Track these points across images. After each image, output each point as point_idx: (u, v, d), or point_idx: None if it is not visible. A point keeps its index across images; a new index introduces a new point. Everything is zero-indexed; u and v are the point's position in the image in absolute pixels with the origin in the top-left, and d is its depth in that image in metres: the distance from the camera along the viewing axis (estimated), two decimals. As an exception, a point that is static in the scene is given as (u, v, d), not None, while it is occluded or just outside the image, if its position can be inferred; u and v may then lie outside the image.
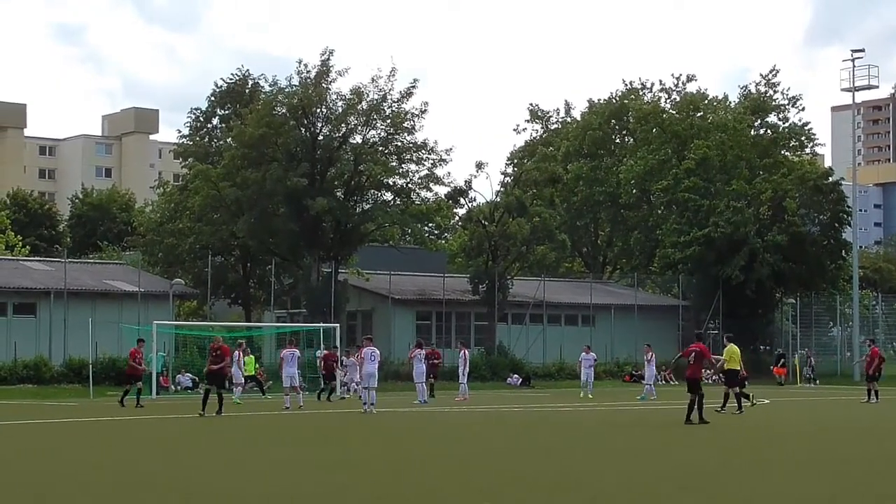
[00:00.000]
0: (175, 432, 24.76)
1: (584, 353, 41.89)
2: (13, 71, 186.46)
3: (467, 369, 39.84)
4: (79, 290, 47.99)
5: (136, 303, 47.64)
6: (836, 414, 32.42)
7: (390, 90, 53.01)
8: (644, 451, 19.48)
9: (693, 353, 25.90)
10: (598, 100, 74.88)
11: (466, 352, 40.63)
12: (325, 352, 39.88)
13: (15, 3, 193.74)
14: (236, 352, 35.88)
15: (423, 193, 55.19)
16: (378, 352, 31.45)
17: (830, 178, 65.52)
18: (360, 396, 31.68)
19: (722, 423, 25.80)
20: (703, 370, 25.69)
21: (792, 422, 28.31)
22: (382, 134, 53.97)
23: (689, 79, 72.64)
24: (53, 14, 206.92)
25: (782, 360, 56.34)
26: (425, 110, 53.52)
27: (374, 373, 30.41)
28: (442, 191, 55.90)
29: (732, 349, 29.74)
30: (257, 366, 42.52)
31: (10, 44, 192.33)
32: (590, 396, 39.97)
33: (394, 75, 53.08)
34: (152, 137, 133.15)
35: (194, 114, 59.80)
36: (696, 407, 25.16)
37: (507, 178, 68.39)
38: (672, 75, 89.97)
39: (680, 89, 72.37)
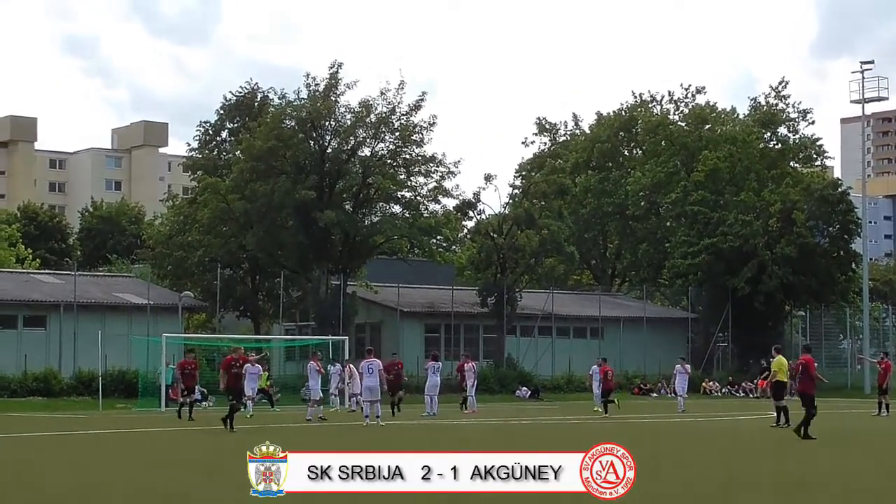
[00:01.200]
0: (187, 445, 24.76)
1: (594, 367, 41.76)
2: (23, 84, 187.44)
3: (475, 382, 39.77)
4: (88, 303, 48.13)
5: (145, 315, 47.75)
6: (847, 426, 32.26)
7: (399, 103, 53.25)
8: (645, 453, 19.43)
9: (801, 367, 25.39)
10: (607, 112, 74.98)
11: (474, 364, 40.57)
12: (390, 359, 39.20)
13: (24, 16, 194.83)
14: (246, 365, 35.89)
15: (432, 206, 55.42)
16: (378, 364, 30.68)
17: (839, 189, 65.38)
18: (360, 408, 31.69)
19: (726, 432, 25.70)
20: (814, 384, 25.21)
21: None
22: (391, 146, 54.15)
23: (699, 91, 72.70)
24: (62, 27, 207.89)
25: (766, 372, 55.89)
26: (434, 123, 53.77)
27: (374, 386, 29.83)
28: (450, 203, 56.13)
29: (781, 361, 28.73)
30: (268, 381, 42.48)
31: (20, 57, 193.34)
32: (598, 409, 39.86)
33: (402, 88, 53.37)
34: (162, 150, 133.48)
35: (203, 127, 60.17)
36: (804, 422, 24.56)
37: (516, 191, 68.51)
38: (681, 86, 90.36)
39: (689, 100, 72.38)
